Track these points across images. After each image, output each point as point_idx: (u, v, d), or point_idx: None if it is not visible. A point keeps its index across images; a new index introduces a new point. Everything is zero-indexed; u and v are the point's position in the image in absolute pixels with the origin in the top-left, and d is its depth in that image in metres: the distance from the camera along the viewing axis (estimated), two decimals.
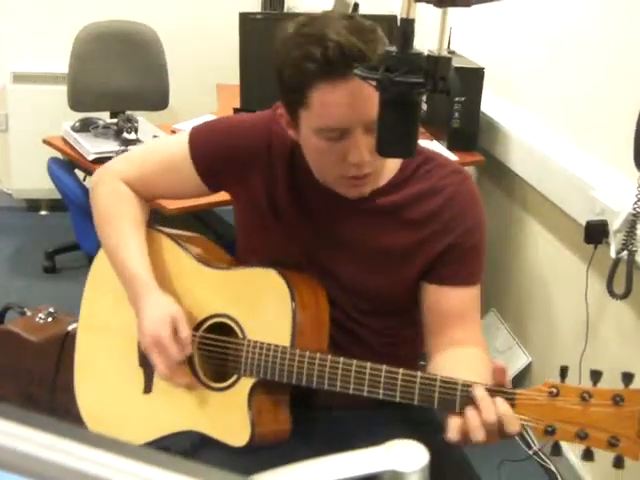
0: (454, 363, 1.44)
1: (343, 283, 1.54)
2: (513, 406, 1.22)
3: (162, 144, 1.84)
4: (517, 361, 2.97)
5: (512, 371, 2.96)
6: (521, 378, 2.97)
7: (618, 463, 1.18)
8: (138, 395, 1.61)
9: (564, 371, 1.22)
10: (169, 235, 1.67)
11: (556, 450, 1.23)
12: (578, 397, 1.19)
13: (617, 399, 1.17)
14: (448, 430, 1.24)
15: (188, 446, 1.57)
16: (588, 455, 1.20)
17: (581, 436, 1.18)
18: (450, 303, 1.51)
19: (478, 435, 1.21)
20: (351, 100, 1.32)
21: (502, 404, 1.22)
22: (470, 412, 1.23)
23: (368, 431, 1.34)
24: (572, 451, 2.54)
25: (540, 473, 2.69)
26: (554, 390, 1.20)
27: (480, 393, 1.23)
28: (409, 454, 0.62)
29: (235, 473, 0.50)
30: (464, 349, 1.48)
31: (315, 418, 1.58)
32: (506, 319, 3.14)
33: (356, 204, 1.52)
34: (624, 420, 1.17)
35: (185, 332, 1.50)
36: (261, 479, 0.59)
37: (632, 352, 2.29)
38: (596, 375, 1.19)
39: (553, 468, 2.66)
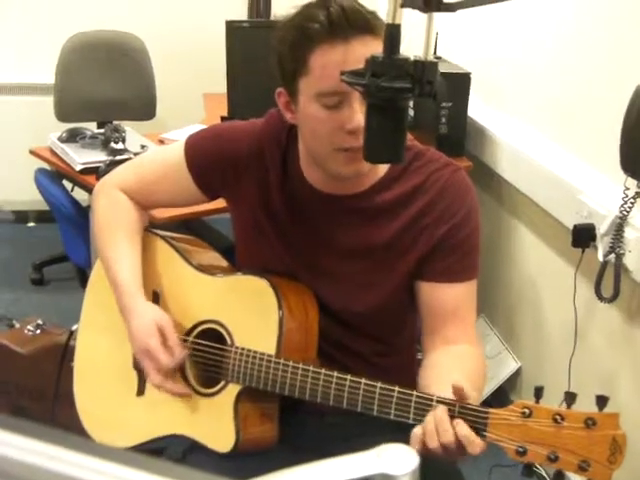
0: (444, 363, 1.45)
1: (339, 286, 1.55)
2: (486, 425, 1.22)
3: (160, 153, 1.88)
4: (507, 366, 2.98)
5: (501, 377, 2.97)
6: (511, 383, 2.97)
7: None
8: (132, 397, 1.63)
9: (539, 392, 1.21)
10: (165, 238, 1.70)
11: (528, 471, 1.22)
12: (550, 419, 1.17)
13: (589, 422, 1.15)
14: (410, 440, 1.24)
15: (181, 451, 1.58)
16: (559, 477, 1.19)
17: (552, 458, 1.17)
18: (443, 300, 1.51)
19: (436, 450, 1.21)
20: (351, 63, 1.31)
21: (462, 427, 1.21)
22: (429, 429, 1.23)
23: (358, 436, 1.34)
24: None
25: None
26: (527, 411, 1.19)
27: (439, 415, 1.23)
28: (399, 458, 0.62)
29: (224, 478, 0.50)
30: (455, 347, 1.48)
31: (305, 423, 1.59)
32: (495, 324, 3.15)
33: (349, 203, 1.53)
34: (595, 444, 1.15)
35: (173, 339, 1.52)
36: None
37: (620, 355, 2.29)
38: (570, 397, 1.18)
39: (544, 473, 2.66)
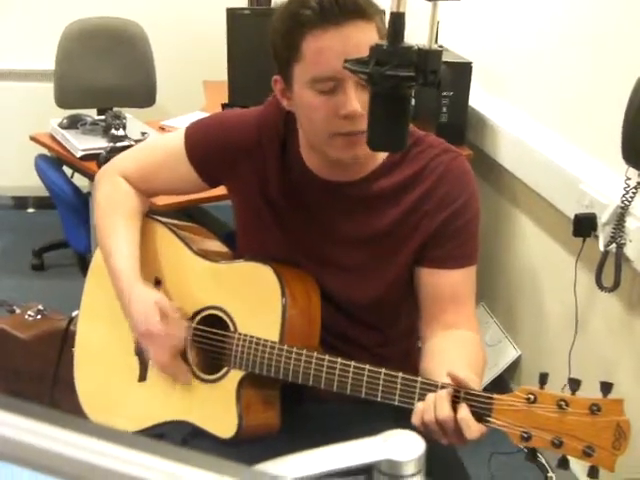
0: (446, 348, 1.46)
1: (341, 275, 1.55)
2: (490, 410, 1.23)
3: (161, 141, 1.88)
4: (506, 355, 2.98)
5: (501, 365, 2.98)
6: (510, 372, 2.98)
7: (593, 473, 1.18)
8: (133, 383, 1.64)
9: (543, 378, 1.22)
10: (167, 225, 1.70)
11: (531, 456, 1.24)
12: (555, 405, 1.18)
13: (594, 408, 1.16)
14: (413, 414, 1.27)
15: (182, 437, 1.58)
16: (563, 463, 1.20)
17: (556, 444, 1.18)
18: (443, 286, 1.52)
19: (432, 427, 1.24)
20: (343, 47, 1.32)
21: (462, 410, 1.23)
22: (428, 403, 1.26)
23: (360, 424, 1.34)
24: None
25: (530, 465, 2.70)
26: (531, 397, 1.20)
27: (440, 392, 1.25)
28: (405, 443, 0.63)
29: (228, 461, 0.51)
30: (456, 332, 1.49)
31: (307, 410, 1.59)
32: (495, 313, 3.15)
33: (349, 190, 1.53)
34: (600, 430, 1.16)
35: (174, 317, 1.52)
36: (259, 469, 0.59)
37: (620, 345, 2.30)
38: (574, 383, 1.19)
39: (543, 461, 2.67)
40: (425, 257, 1.53)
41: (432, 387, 1.29)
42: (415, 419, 1.26)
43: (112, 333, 1.67)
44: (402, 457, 0.61)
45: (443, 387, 1.27)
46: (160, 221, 1.72)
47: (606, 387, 1.16)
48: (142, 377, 1.63)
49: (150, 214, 1.73)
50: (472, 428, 1.22)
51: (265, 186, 1.58)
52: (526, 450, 1.25)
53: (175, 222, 1.74)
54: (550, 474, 2.65)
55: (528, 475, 2.67)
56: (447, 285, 1.52)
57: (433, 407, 1.24)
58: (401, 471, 0.64)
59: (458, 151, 1.57)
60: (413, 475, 0.66)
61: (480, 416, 1.23)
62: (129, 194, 1.69)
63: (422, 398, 1.29)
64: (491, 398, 1.23)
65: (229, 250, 1.72)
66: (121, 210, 1.67)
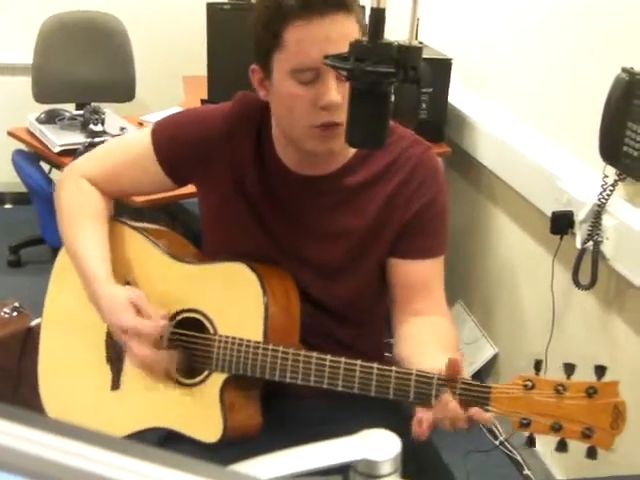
0: (420, 333, 1.48)
1: (319, 271, 1.55)
2: (488, 400, 1.24)
3: (126, 140, 1.85)
4: (483, 352, 2.99)
5: (478, 363, 2.98)
6: (487, 369, 2.99)
7: (591, 454, 1.20)
8: (106, 392, 1.58)
9: (538, 364, 1.24)
10: (136, 228, 1.65)
11: (530, 443, 1.25)
12: (553, 390, 1.21)
13: (591, 391, 1.19)
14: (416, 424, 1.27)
15: (156, 441, 1.54)
16: (562, 447, 1.22)
17: (555, 428, 1.21)
18: (414, 276, 1.54)
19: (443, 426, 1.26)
20: (326, 39, 1.33)
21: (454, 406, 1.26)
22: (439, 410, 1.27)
23: (340, 420, 1.34)
24: (538, 440, 2.56)
25: (506, 463, 2.71)
26: (529, 383, 1.22)
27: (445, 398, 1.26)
28: (382, 443, 0.63)
29: (207, 463, 0.50)
30: (427, 318, 1.51)
31: (286, 407, 1.58)
32: (472, 311, 3.16)
33: (323, 184, 1.53)
34: (598, 412, 1.19)
35: (149, 309, 1.48)
36: (237, 469, 0.59)
37: (597, 342, 2.31)
38: (569, 368, 1.21)
39: (519, 458, 2.69)
40: (398, 249, 1.54)
41: (406, 375, 1.30)
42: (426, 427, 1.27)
43: (80, 340, 1.61)
44: (379, 457, 0.61)
45: (439, 379, 1.27)
46: (127, 224, 1.66)
47: (600, 370, 1.19)
48: (115, 385, 1.57)
49: (119, 218, 1.67)
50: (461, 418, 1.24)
51: (240, 181, 1.55)
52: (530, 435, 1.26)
53: (144, 225, 1.68)
54: (526, 471, 2.66)
55: (504, 473, 2.68)
56: (418, 275, 1.54)
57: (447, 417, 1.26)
58: (377, 471, 0.64)
59: (427, 143, 1.59)
60: (389, 474, 0.66)
61: (479, 406, 1.25)
62: (94, 196, 1.64)
63: (399, 389, 1.30)
64: (489, 387, 1.25)
65: (199, 252, 1.68)
66: (87, 213, 1.62)
